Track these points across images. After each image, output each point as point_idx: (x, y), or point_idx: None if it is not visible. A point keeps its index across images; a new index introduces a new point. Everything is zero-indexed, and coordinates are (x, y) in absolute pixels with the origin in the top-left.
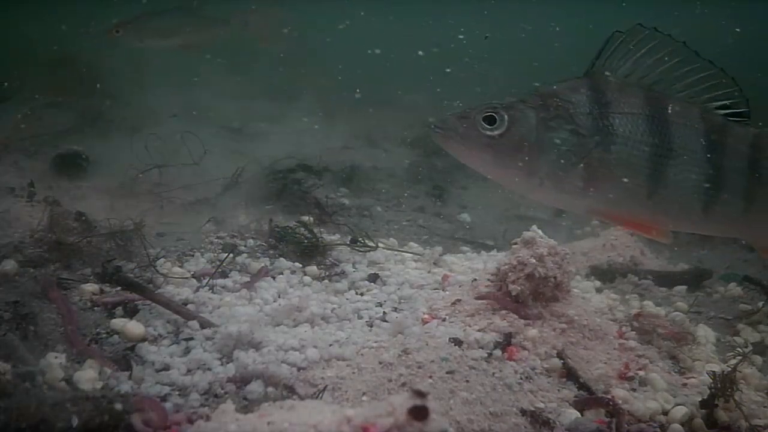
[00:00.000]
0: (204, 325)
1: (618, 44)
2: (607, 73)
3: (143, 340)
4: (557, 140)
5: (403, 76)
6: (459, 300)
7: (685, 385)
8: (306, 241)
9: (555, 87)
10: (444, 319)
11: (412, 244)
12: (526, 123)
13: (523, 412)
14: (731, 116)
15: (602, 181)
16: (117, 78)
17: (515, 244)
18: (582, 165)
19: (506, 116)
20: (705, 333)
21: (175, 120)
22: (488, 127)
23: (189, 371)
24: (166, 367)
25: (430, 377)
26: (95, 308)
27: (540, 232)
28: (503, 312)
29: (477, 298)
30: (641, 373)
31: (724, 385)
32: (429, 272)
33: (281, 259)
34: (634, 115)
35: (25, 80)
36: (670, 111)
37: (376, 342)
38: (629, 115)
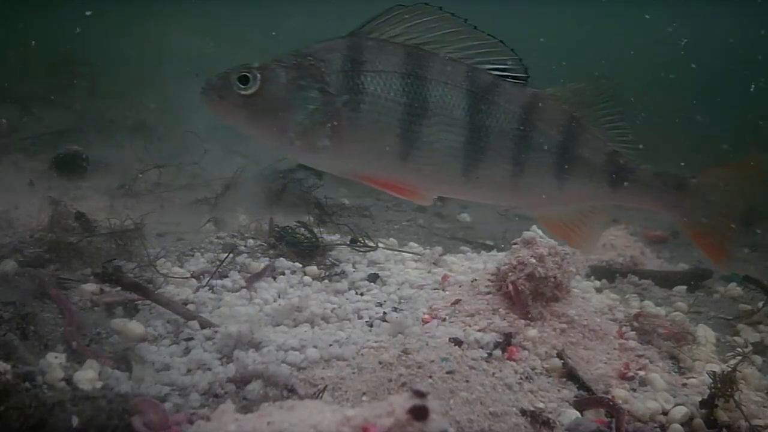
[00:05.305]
0: (204, 325)
1: (395, 14)
2: (371, 35)
3: (143, 340)
4: (305, 99)
5: None
6: (459, 300)
7: (685, 385)
8: (306, 241)
9: (313, 46)
10: (444, 319)
11: (412, 244)
12: (276, 82)
13: (523, 412)
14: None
15: (352, 142)
16: (118, 77)
17: (515, 244)
18: (330, 125)
19: (259, 75)
20: (705, 333)
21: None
22: (242, 86)
23: (189, 371)
24: (166, 367)
25: (430, 377)
26: (95, 308)
27: (540, 232)
28: (503, 312)
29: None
30: (641, 373)
31: (724, 385)
32: (429, 272)
33: (281, 259)
34: (388, 74)
35: (25, 80)
36: (430, 69)
37: (376, 342)
38: (382, 73)
